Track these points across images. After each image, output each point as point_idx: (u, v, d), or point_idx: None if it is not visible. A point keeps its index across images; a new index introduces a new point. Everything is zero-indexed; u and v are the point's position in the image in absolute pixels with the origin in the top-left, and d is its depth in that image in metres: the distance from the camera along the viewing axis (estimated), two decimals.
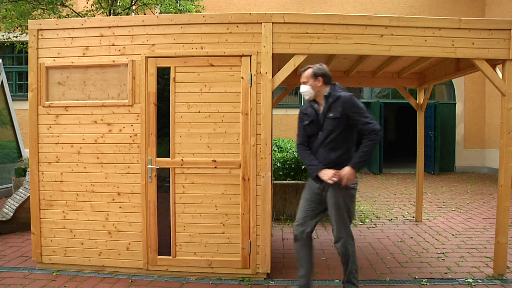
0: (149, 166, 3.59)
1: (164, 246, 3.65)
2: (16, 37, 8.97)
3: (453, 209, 6.63)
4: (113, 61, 3.62)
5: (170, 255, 3.64)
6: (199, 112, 3.58)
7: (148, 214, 3.63)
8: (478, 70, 3.73)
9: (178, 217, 3.62)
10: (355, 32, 3.51)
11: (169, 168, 3.61)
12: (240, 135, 3.55)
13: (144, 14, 9.45)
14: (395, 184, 9.58)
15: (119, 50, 3.62)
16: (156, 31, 3.58)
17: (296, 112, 11.85)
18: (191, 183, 3.60)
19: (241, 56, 3.52)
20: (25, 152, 7.96)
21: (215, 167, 3.58)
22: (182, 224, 3.62)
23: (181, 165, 3.60)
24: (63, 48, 3.69)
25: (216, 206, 3.58)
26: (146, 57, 3.58)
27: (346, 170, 2.89)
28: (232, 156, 3.56)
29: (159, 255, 3.65)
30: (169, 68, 3.58)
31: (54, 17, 8.06)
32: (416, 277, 3.67)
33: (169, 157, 3.61)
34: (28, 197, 4.96)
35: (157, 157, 3.61)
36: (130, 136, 3.63)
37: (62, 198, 3.71)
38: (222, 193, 3.58)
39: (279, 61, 4.28)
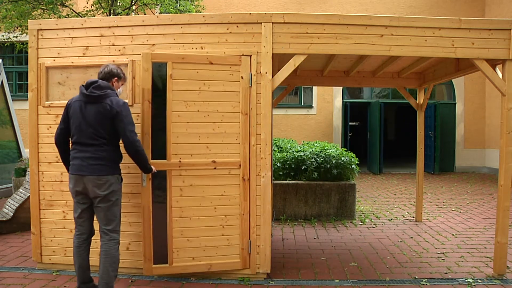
0: None
1: (160, 253, 3.46)
2: (16, 37, 8.96)
3: (453, 209, 6.63)
4: (113, 61, 3.61)
5: (167, 263, 3.47)
6: (198, 111, 3.52)
7: (143, 219, 3.44)
8: (478, 70, 3.73)
9: (175, 222, 3.46)
10: (355, 32, 3.51)
11: (165, 171, 3.45)
12: (240, 135, 3.55)
13: (144, 14, 9.45)
14: (395, 184, 9.58)
15: (119, 50, 3.62)
16: (156, 31, 3.58)
17: (296, 112, 11.93)
18: (189, 186, 3.48)
19: (241, 56, 3.52)
20: (25, 152, 7.95)
21: (215, 168, 3.53)
22: (180, 229, 3.47)
23: (179, 166, 3.47)
24: (63, 48, 3.70)
25: (215, 207, 3.53)
26: None
27: None
28: (231, 157, 3.55)
29: (154, 263, 3.45)
30: (165, 64, 3.43)
31: (54, 17, 8.06)
32: (416, 277, 3.67)
33: (165, 159, 3.45)
34: (28, 197, 4.95)
35: (153, 158, 3.42)
36: None
37: (62, 198, 3.71)
38: (222, 194, 3.54)
39: (279, 61, 4.28)
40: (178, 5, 9.23)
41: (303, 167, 5.95)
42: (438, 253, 4.33)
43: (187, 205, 3.49)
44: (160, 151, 3.44)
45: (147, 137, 3.43)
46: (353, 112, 13.38)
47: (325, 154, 6.03)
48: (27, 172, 5.98)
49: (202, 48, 3.53)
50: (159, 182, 3.46)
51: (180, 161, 3.48)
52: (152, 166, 3.29)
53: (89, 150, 3.04)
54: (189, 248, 3.50)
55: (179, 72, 3.46)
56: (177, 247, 3.48)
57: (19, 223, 5.05)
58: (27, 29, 6.25)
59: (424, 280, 3.58)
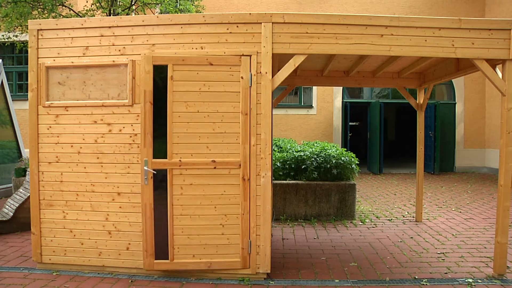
0: (145, 167, 3.54)
1: (161, 249, 3.58)
2: (16, 36, 8.98)
3: (453, 209, 6.63)
4: (113, 61, 3.62)
5: (168, 259, 3.59)
6: (198, 111, 3.57)
7: (145, 217, 3.57)
8: (478, 70, 3.73)
9: (176, 219, 3.56)
10: (355, 32, 3.51)
11: (166, 169, 3.56)
12: (240, 135, 3.55)
13: (144, 14, 9.44)
14: (395, 184, 9.58)
15: (119, 50, 3.62)
16: (156, 31, 3.58)
17: (296, 112, 11.93)
18: (189, 184, 3.56)
19: (241, 56, 3.52)
20: (25, 152, 7.96)
21: (215, 168, 3.57)
22: (180, 227, 3.56)
23: (179, 166, 3.55)
24: (63, 48, 3.69)
25: (215, 207, 3.57)
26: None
27: None
28: (231, 156, 3.56)
29: (156, 259, 3.59)
30: (166, 66, 3.53)
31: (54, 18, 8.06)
32: (416, 277, 3.67)
33: (166, 158, 3.55)
34: (28, 197, 4.95)
35: (154, 158, 3.55)
36: (130, 136, 3.62)
37: (62, 198, 3.71)
38: (222, 194, 3.57)
39: (279, 61, 4.28)
40: (178, 5, 9.22)
41: (303, 167, 5.95)
42: (438, 253, 4.33)
43: (188, 204, 3.58)
44: (161, 150, 3.56)
45: (149, 136, 3.54)
46: (353, 112, 13.38)
47: (325, 154, 6.03)
48: (27, 172, 5.98)
49: (202, 48, 3.54)
50: (160, 180, 3.58)
51: (180, 161, 3.56)
52: None
53: None
54: (190, 245, 3.58)
55: (180, 73, 3.55)
56: (177, 244, 3.58)
57: (19, 223, 5.05)
58: (27, 29, 6.25)
59: (424, 280, 3.58)
